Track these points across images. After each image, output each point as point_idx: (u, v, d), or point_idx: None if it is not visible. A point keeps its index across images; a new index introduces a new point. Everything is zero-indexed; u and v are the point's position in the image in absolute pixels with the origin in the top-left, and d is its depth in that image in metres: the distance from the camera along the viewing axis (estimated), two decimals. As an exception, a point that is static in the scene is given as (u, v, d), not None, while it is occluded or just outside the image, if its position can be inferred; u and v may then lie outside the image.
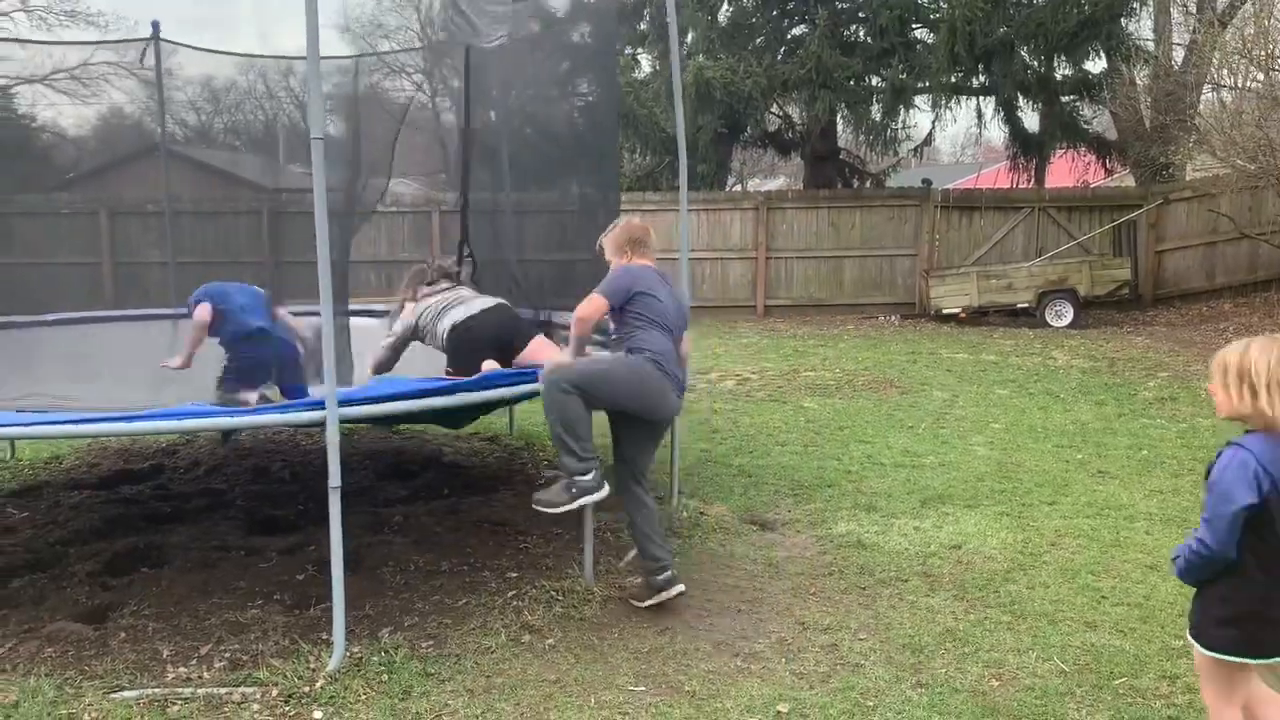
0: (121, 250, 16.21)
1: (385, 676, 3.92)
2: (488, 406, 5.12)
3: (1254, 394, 2.77)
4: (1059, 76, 17.99)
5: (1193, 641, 2.93)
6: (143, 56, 8.89)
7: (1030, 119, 19.68)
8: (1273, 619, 2.79)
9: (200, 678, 3.94)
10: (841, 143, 21.57)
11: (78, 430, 4.13)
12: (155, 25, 8.95)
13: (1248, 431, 2.84)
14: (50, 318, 7.64)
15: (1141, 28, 18.37)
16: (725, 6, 18.89)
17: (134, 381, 5.95)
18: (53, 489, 6.73)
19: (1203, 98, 16.81)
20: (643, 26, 19.01)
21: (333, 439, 3.85)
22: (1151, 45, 18.19)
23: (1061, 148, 19.36)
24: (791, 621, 4.50)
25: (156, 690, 3.81)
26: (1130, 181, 20.07)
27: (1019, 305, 15.59)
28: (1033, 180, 19.78)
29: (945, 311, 15.84)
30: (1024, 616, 4.52)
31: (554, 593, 4.73)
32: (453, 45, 6.07)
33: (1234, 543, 2.73)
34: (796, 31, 18.99)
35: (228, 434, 7.83)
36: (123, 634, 4.32)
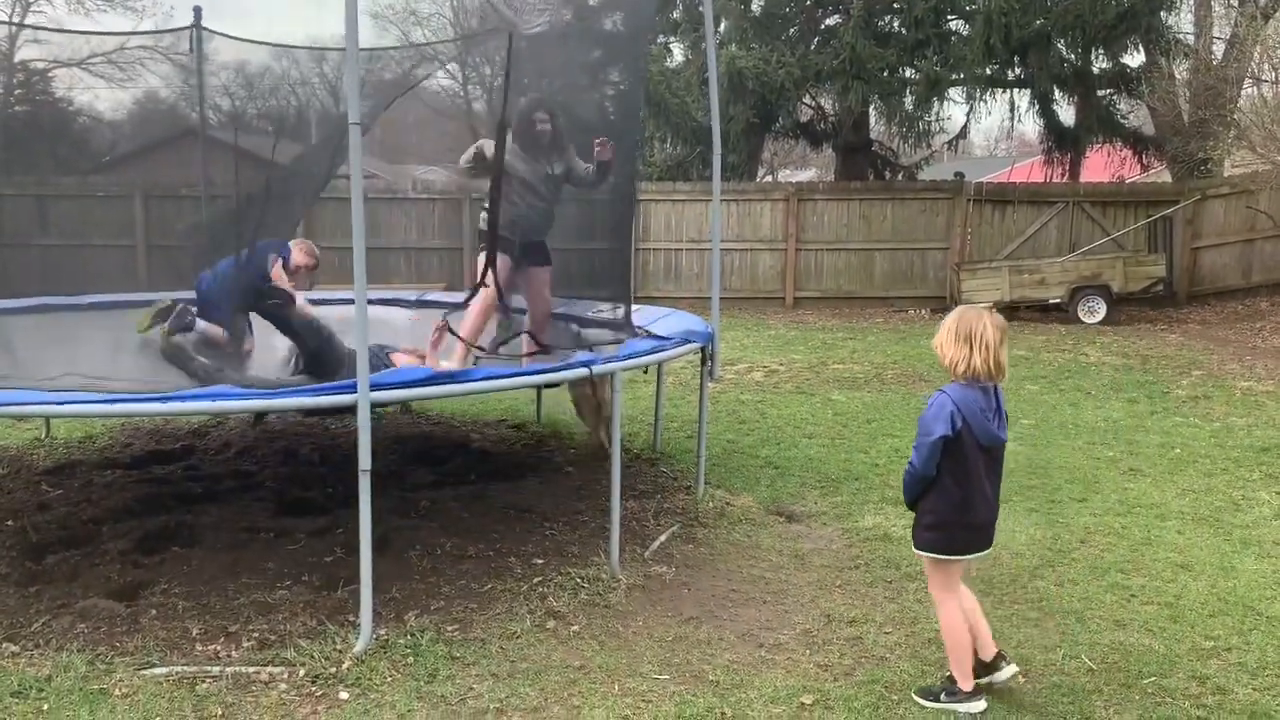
0: (155, 233, 16.37)
1: (411, 659, 3.95)
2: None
3: (970, 347, 3.57)
4: (1096, 70, 17.79)
5: (918, 551, 3.70)
6: (192, 44, 8.94)
7: (1066, 113, 19.49)
8: (967, 523, 3.59)
9: (229, 656, 3.99)
10: (874, 134, 21.44)
11: (111, 410, 4.18)
12: (197, 11, 9.00)
13: (952, 381, 3.62)
14: (86, 300, 7.72)
15: (1182, 21, 18.11)
16: (759, -4, 18.82)
17: (167, 363, 6.00)
18: (86, 468, 6.82)
19: (1243, 92, 16.57)
20: (675, 15, 18.95)
21: (364, 422, 3.88)
22: (1191, 39, 17.92)
23: (1097, 142, 19.15)
24: (817, 613, 4.49)
25: (186, 668, 3.86)
26: (1167, 177, 19.82)
27: (1051, 300, 15.44)
28: (1067, 174, 19.57)
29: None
30: (1052, 613, 4.49)
31: (579, 580, 4.74)
32: (496, 32, 6.07)
33: (934, 465, 3.54)
34: (830, 22, 18.89)
35: (259, 415, 7.91)
36: (153, 611, 4.37)
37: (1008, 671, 3.71)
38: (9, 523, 5.56)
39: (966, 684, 3.63)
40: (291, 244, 7.06)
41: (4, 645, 4.02)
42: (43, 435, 7.67)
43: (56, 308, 7.43)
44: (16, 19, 25.17)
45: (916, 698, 3.68)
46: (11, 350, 6.14)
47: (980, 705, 3.61)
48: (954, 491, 3.57)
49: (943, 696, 3.64)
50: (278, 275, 6.96)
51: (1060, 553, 5.26)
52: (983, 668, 3.70)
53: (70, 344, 6.16)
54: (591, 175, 6.09)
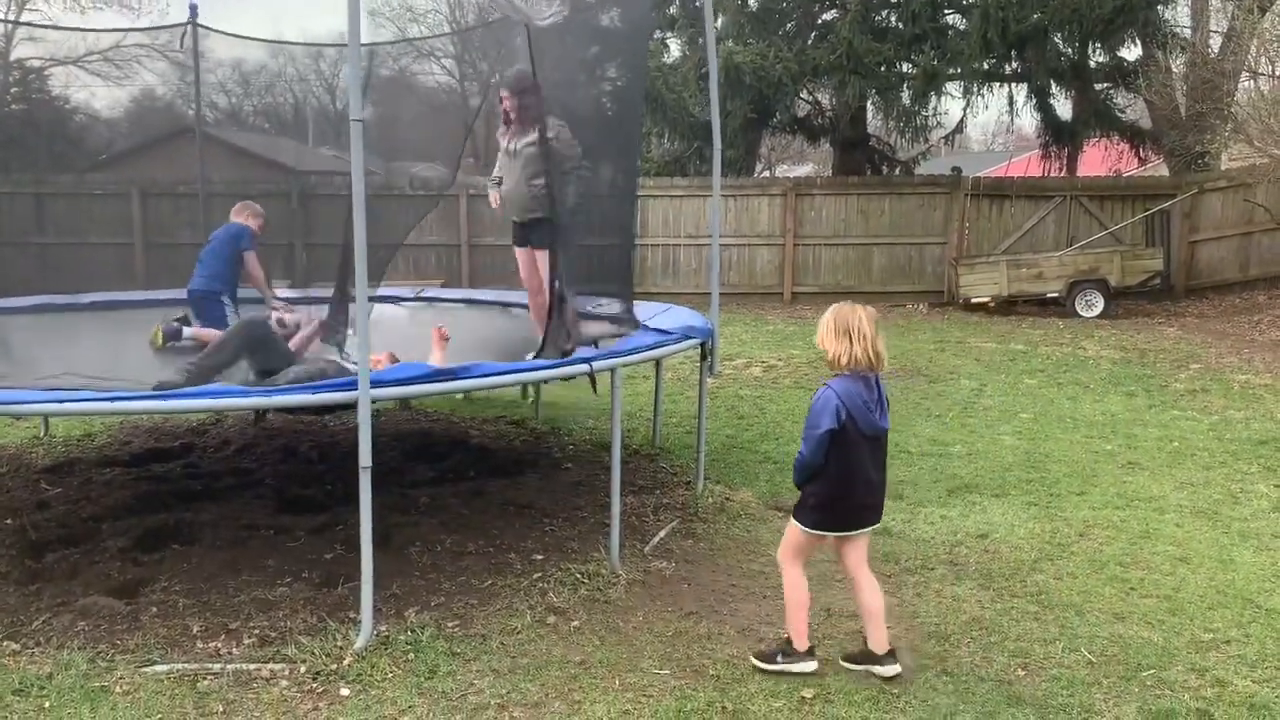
0: (153, 231, 16.36)
1: (412, 655, 3.95)
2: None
3: (850, 340, 3.76)
4: (1093, 64, 17.79)
5: (794, 522, 3.93)
6: (182, 41, 8.94)
7: (1063, 107, 19.49)
8: (849, 505, 3.85)
9: (229, 653, 3.99)
10: (871, 129, 21.43)
11: (110, 408, 4.18)
12: (193, 9, 8.98)
13: (835, 375, 3.82)
14: (85, 299, 7.72)
15: (1178, 14, 18.12)
16: (756, -10, 18.81)
17: (165, 362, 6.00)
18: (85, 466, 6.82)
19: (1240, 86, 16.55)
20: (672, 10, 18.93)
21: (364, 419, 3.88)
22: (1188, 32, 17.91)
23: (1094, 136, 19.15)
24: (816, 608, 4.48)
25: (187, 665, 3.86)
26: (1164, 171, 19.81)
27: (1049, 295, 15.45)
28: (1064, 169, 19.58)
29: (974, 300, 15.73)
30: (1051, 607, 4.50)
31: (579, 575, 4.75)
32: (508, 24, 6.03)
33: (823, 454, 3.77)
34: (827, 16, 18.88)
35: (259, 413, 7.92)
36: (154, 609, 4.38)
37: (888, 669, 3.82)
38: (8, 521, 5.56)
39: (801, 643, 3.87)
40: (239, 219, 7.20)
41: (5, 643, 4.03)
42: (42, 434, 7.67)
43: (55, 307, 7.44)
44: (11, 17, 25.13)
45: (754, 661, 3.90)
46: (10, 349, 6.14)
47: (811, 665, 3.85)
48: (838, 477, 3.81)
49: (779, 658, 3.87)
50: (255, 267, 7.09)
51: (1059, 546, 5.27)
52: (869, 656, 3.88)
53: (69, 343, 6.16)
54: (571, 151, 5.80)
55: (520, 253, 6.38)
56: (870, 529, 3.96)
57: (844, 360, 3.78)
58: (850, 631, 4.23)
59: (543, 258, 6.04)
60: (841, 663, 3.91)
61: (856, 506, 3.88)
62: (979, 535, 5.44)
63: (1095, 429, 7.92)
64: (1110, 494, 6.20)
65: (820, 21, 18.83)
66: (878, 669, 3.83)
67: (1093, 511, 5.85)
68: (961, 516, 5.76)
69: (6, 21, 23.97)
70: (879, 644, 3.86)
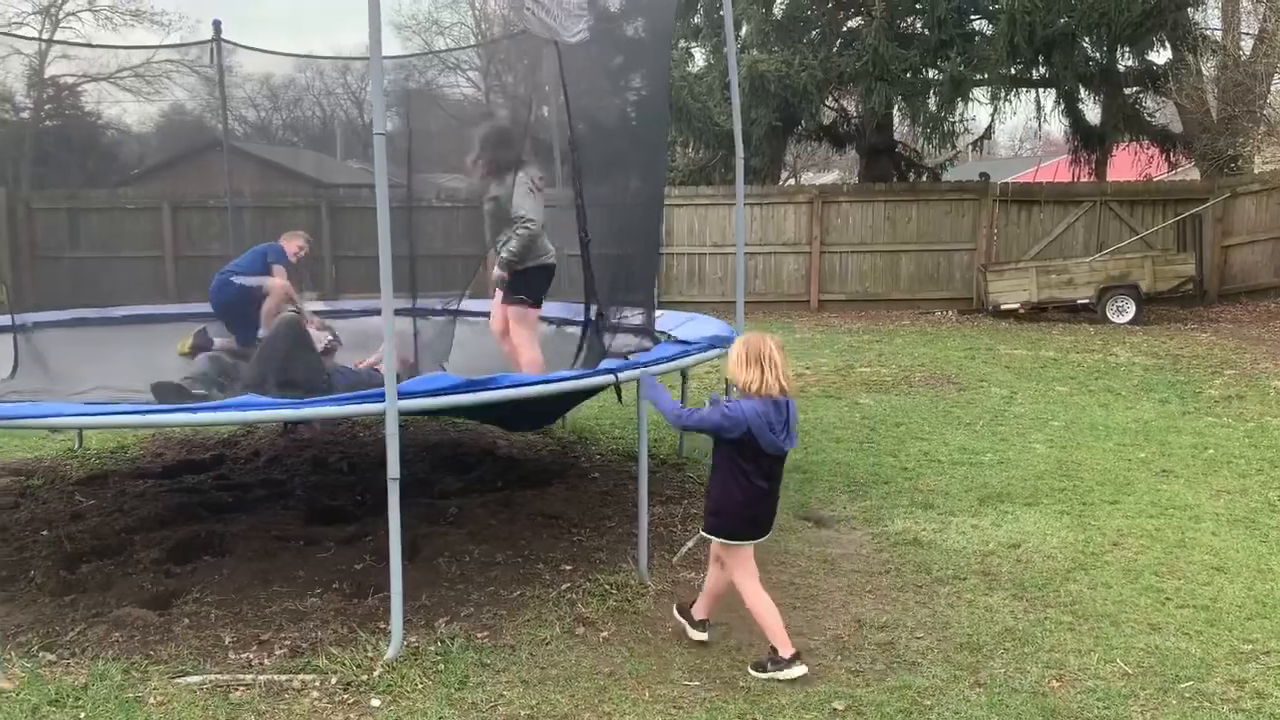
0: (184, 244, 16.53)
1: (442, 666, 3.96)
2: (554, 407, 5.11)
3: (761, 369, 3.93)
4: (1122, 67, 17.64)
5: (711, 538, 4.10)
6: (212, 56, 9.06)
7: (1091, 111, 19.33)
8: (744, 516, 4.00)
9: (261, 664, 4.01)
10: (898, 136, 21.35)
11: (142, 421, 4.22)
12: (217, 25, 9.10)
13: (744, 396, 3.98)
14: (117, 313, 7.81)
15: (1208, 17, 17.95)
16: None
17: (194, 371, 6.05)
18: (119, 478, 6.89)
19: (1272, 88, 16.37)
20: (696, 20, 18.96)
21: (392, 431, 3.90)
22: (1219, 34, 17.73)
23: (1124, 140, 18.99)
24: (847, 619, 4.46)
25: (219, 676, 3.89)
26: (1195, 175, 19.61)
27: (1079, 301, 15.31)
28: (1094, 174, 19.42)
29: (1004, 307, 15.61)
30: (1085, 617, 4.44)
31: (608, 586, 4.74)
32: (538, 39, 6.06)
33: (700, 430, 4.09)
34: (853, 24, 18.83)
35: (288, 424, 7.98)
36: (186, 620, 4.41)
37: (699, 635, 4.19)
38: (44, 532, 5.63)
39: (786, 650, 3.92)
40: (282, 241, 7.25)
41: (41, 654, 4.07)
42: (76, 446, 7.76)
43: (88, 321, 7.52)
44: (46, 36, 25.54)
45: (751, 671, 3.97)
46: (45, 363, 6.22)
47: (800, 670, 3.89)
48: (735, 489, 3.99)
49: (768, 666, 3.93)
50: (282, 282, 7.13)
51: (1093, 555, 5.21)
52: (686, 614, 4.21)
53: (102, 356, 6.23)
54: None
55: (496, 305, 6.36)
56: (756, 542, 4.11)
57: (756, 387, 3.95)
58: (880, 643, 4.20)
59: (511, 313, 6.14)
60: (754, 673, 3.96)
61: (751, 518, 4.04)
62: (1011, 545, 5.38)
63: (1128, 436, 7.83)
64: (1144, 502, 6.12)
65: (845, 29, 18.79)
66: (697, 633, 4.20)
67: (1127, 520, 5.78)
68: (993, 526, 5.71)
69: (41, 40, 24.36)
70: (705, 610, 4.21)
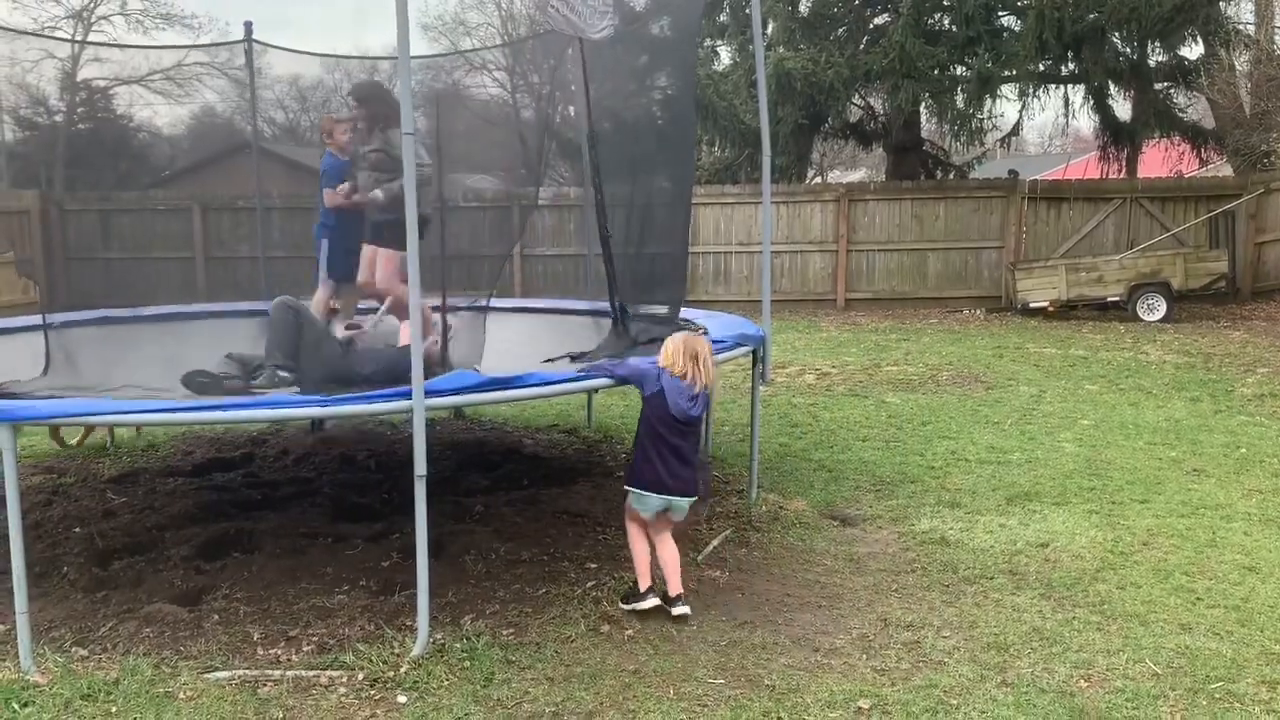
0: (214, 245, 16.69)
1: (467, 663, 3.97)
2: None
3: (696, 364, 4.45)
4: (1152, 63, 17.46)
5: (628, 487, 4.56)
6: (246, 57, 9.13)
7: (1121, 107, 19.14)
8: (656, 472, 4.44)
9: (289, 660, 4.04)
10: (925, 133, 21.23)
11: (173, 418, 4.26)
12: (248, 26, 9.17)
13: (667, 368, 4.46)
14: (147, 312, 7.89)
15: (1241, 10, 17.74)
16: (806, -3, 18.74)
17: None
18: (149, 475, 6.97)
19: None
20: (723, 18, 18.93)
21: (419, 428, 3.92)
22: (1252, 29, 17.50)
23: (1155, 137, 18.78)
24: (873, 618, 4.45)
25: (248, 671, 3.93)
26: (1228, 171, 19.37)
27: (1109, 299, 15.17)
28: (1124, 170, 19.22)
29: (1032, 305, 15.49)
30: (1114, 617, 4.40)
31: (632, 584, 4.74)
32: (562, 37, 6.08)
33: (622, 379, 4.54)
34: (879, 21, 18.75)
35: (317, 422, 8.03)
36: (215, 616, 4.45)
37: (679, 609, 4.44)
38: (77, 530, 5.70)
39: (643, 584, 4.52)
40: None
41: (73, 649, 4.12)
42: (107, 444, 7.85)
43: (118, 320, 7.60)
44: (78, 38, 25.83)
45: (621, 604, 4.54)
46: (75, 362, 6.29)
47: (652, 601, 4.47)
48: (649, 447, 4.46)
49: (630, 599, 4.53)
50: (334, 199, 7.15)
51: (1122, 555, 5.16)
52: (666, 599, 4.50)
53: (132, 355, 6.29)
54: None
55: (366, 249, 6.49)
56: (685, 504, 4.55)
57: (683, 372, 4.45)
58: (906, 642, 4.18)
59: (385, 257, 6.28)
60: (621, 605, 4.52)
61: (665, 476, 4.45)
62: (1039, 544, 5.34)
63: (1158, 435, 7.75)
64: (1175, 502, 6.06)
65: (872, 26, 18.71)
66: (672, 609, 4.44)
67: (1157, 520, 5.72)
68: (1021, 525, 5.67)
69: (74, 41, 24.66)
70: (674, 589, 4.49)
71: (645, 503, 4.51)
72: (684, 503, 4.55)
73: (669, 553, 4.57)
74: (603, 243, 6.03)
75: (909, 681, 3.84)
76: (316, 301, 7.22)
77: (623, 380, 4.57)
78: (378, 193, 6.19)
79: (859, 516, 5.90)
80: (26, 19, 27.79)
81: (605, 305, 6.27)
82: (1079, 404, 9.00)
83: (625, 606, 4.51)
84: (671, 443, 4.46)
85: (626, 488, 4.59)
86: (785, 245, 17.14)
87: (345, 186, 6.56)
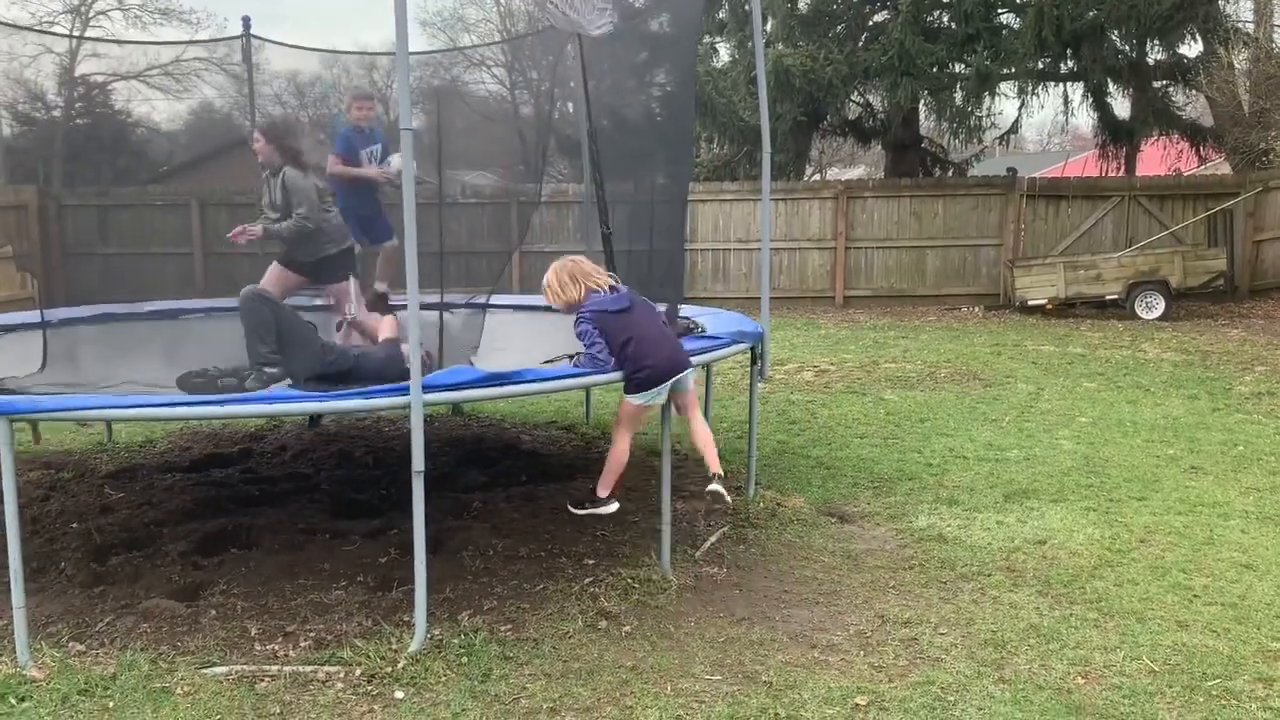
0: (212, 241, 16.66)
1: (465, 659, 3.98)
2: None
3: (576, 282, 4.73)
4: (1151, 61, 17.45)
5: (627, 399, 4.69)
6: (244, 53, 9.11)
7: (1120, 105, 19.14)
8: (651, 367, 4.61)
9: (287, 656, 4.05)
10: (924, 131, 21.22)
11: (170, 413, 4.27)
12: (246, 21, 9.14)
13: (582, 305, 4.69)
14: (146, 308, 7.88)
15: (1240, 9, 17.74)
16: (805, -7, 18.72)
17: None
18: (147, 471, 6.96)
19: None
20: (721, 15, 18.91)
21: (417, 424, 3.92)
22: (1251, 27, 17.51)
23: (1153, 135, 18.78)
24: (870, 614, 4.45)
25: (245, 667, 3.93)
26: (1226, 169, 19.38)
27: (1108, 297, 15.17)
28: (1122, 168, 19.22)
29: (1031, 303, 15.49)
30: (1111, 614, 4.41)
31: (630, 580, 4.75)
32: (562, 34, 6.09)
33: (610, 356, 4.59)
34: (878, 18, 18.72)
35: (314, 418, 8.03)
36: (213, 612, 4.45)
37: (715, 487, 4.80)
38: (74, 525, 5.69)
39: (605, 490, 4.81)
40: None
41: (71, 644, 4.12)
42: (105, 440, 7.85)
43: (117, 316, 7.59)
44: (76, 33, 25.78)
45: (570, 507, 4.88)
46: (74, 358, 6.28)
47: (613, 507, 4.82)
48: (636, 352, 4.60)
49: (586, 504, 4.84)
50: (334, 165, 7.34)
51: (1119, 552, 5.17)
52: (709, 479, 4.84)
53: (130, 351, 6.29)
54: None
55: (275, 268, 6.69)
56: (686, 374, 4.78)
57: (580, 296, 4.71)
58: (904, 639, 4.19)
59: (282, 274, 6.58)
60: (572, 509, 4.94)
61: (662, 361, 4.64)
62: (1036, 541, 5.35)
63: (1156, 433, 7.76)
64: (1172, 499, 6.06)
65: (871, 23, 18.69)
66: (710, 486, 4.78)
67: (1154, 517, 5.73)
68: (1019, 522, 5.67)
69: (72, 36, 24.61)
70: (714, 466, 4.85)
71: (656, 396, 4.66)
72: (687, 375, 4.78)
73: (702, 430, 4.94)
74: (604, 240, 6.04)
75: (906, 678, 3.85)
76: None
77: (604, 361, 4.62)
78: (277, 227, 6.49)
79: (857, 513, 5.90)
80: (24, 13, 27.76)
81: None
82: (1077, 401, 9.01)
83: (580, 511, 4.82)
84: (645, 334, 4.65)
85: (629, 397, 4.67)
86: (784, 242, 17.14)
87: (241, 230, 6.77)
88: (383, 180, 7.40)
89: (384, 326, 6.02)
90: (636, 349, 4.60)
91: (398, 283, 7.64)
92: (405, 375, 4.01)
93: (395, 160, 7.10)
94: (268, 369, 5.24)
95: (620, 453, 4.80)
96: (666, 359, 4.67)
